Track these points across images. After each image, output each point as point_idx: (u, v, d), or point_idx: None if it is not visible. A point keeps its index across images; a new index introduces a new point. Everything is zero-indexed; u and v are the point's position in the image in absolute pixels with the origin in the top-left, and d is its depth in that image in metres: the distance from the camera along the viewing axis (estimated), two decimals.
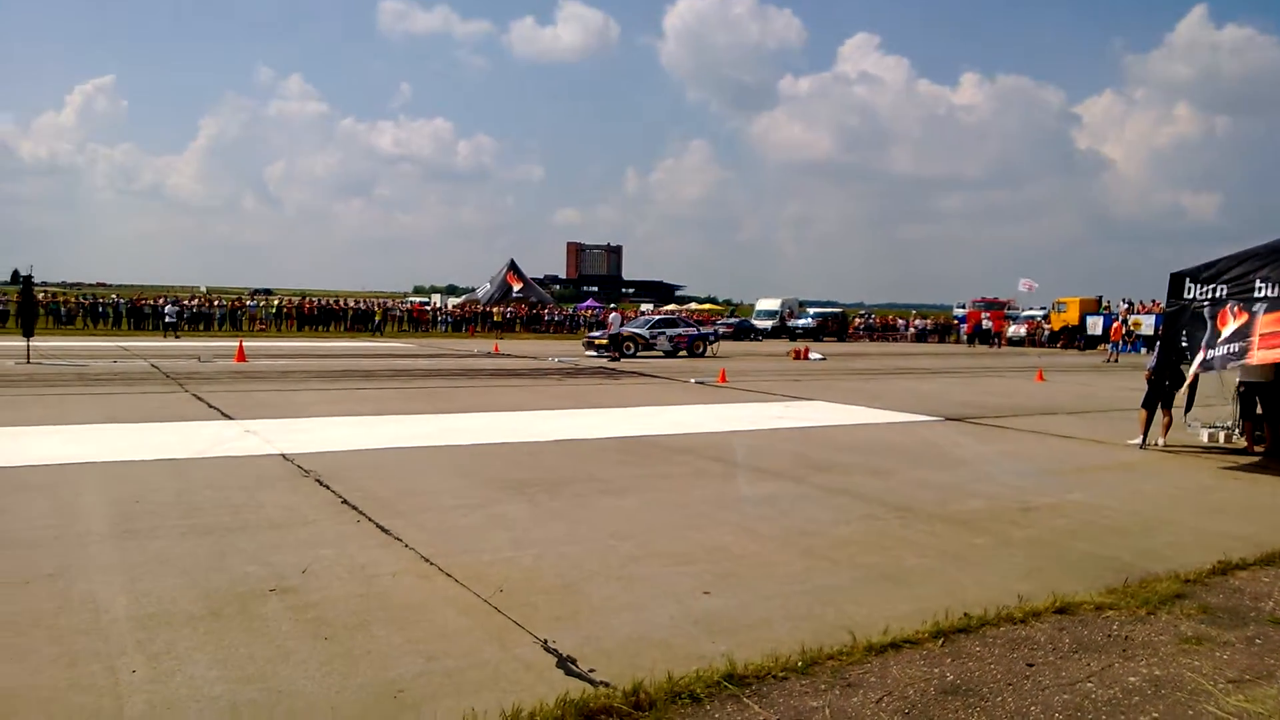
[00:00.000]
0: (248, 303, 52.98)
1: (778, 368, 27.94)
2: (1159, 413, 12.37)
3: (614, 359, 28.49)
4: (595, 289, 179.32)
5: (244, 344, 27.42)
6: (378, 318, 48.84)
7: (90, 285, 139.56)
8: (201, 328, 43.40)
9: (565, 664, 4.46)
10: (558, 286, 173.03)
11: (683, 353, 31.70)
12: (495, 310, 55.30)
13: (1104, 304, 52.36)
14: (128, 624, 4.80)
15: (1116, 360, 37.05)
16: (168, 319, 39.11)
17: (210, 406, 13.98)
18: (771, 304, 59.02)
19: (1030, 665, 4.60)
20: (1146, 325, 44.45)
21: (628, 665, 4.42)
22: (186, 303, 46.71)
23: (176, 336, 37.37)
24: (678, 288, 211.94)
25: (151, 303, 45.81)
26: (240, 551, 6.19)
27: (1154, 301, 46.44)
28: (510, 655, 4.56)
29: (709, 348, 32.97)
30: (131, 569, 5.74)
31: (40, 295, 38.82)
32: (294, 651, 4.50)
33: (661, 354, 31.18)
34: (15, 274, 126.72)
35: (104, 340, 33.35)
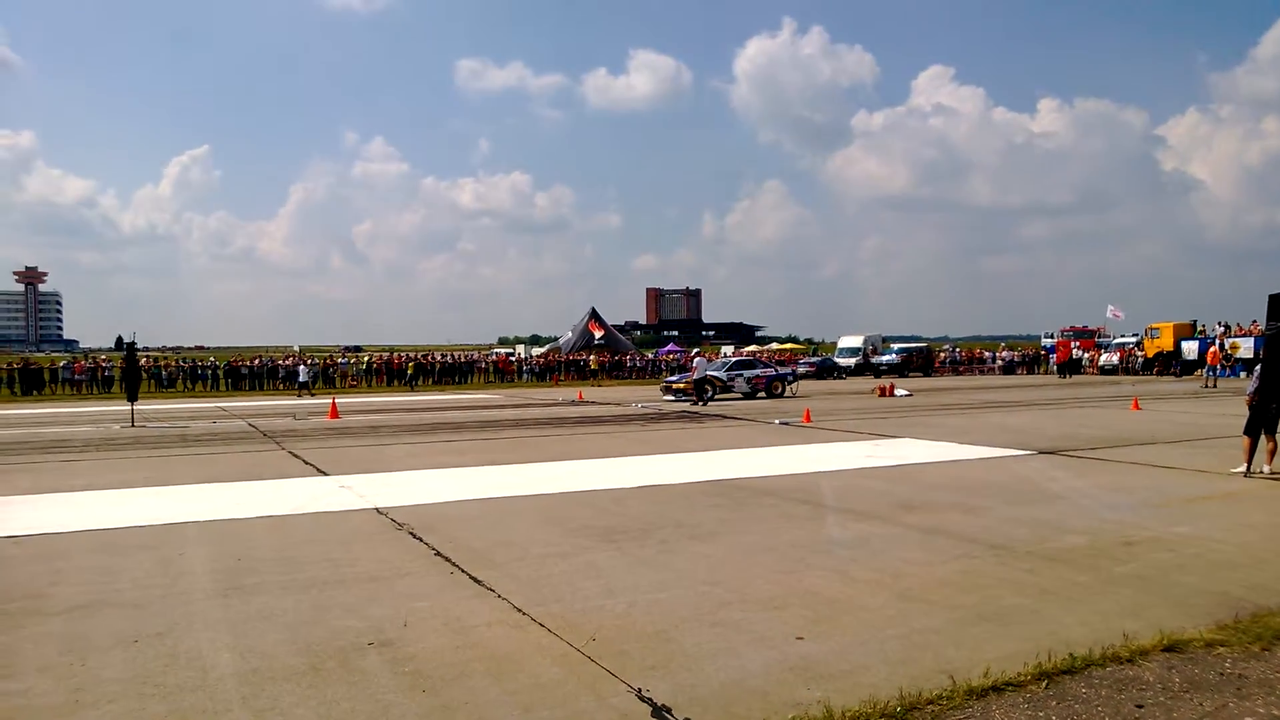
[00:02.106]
0: (339, 360, 54.35)
1: (863, 406, 27.61)
2: (1263, 439, 11.89)
3: (696, 403, 28.29)
4: (675, 333, 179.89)
5: (336, 400, 28.11)
6: (409, 370, 46.88)
7: (189, 349, 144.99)
8: (295, 386, 44.63)
9: (660, 713, 4.45)
10: (638, 332, 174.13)
11: (761, 394, 31.48)
12: (592, 359, 55.56)
13: (1199, 328, 50.69)
14: (233, 680, 4.94)
15: (1215, 385, 35.85)
16: (301, 378, 40.81)
17: (306, 463, 14.35)
18: (854, 341, 58.43)
19: (1140, 707, 4.45)
20: (1245, 348, 42.91)
21: (723, 714, 4.40)
22: (282, 362, 48.23)
23: (312, 395, 38.64)
24: (758, 328, 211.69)
25: (249, 364, 47.35)
26: (339, 605, 6.33)
27: (1253, 323, 44.80)
28: (605, 705, 4.57)
29: (787, 388, 32.70)
30: (235, 625, 5.92)
31: (142, 360, 40.36)
32: (394, 705, 4.57)
33: (740, 396, 31.04)
34: (120, 340, 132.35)
35: (203, 402, 34.52)
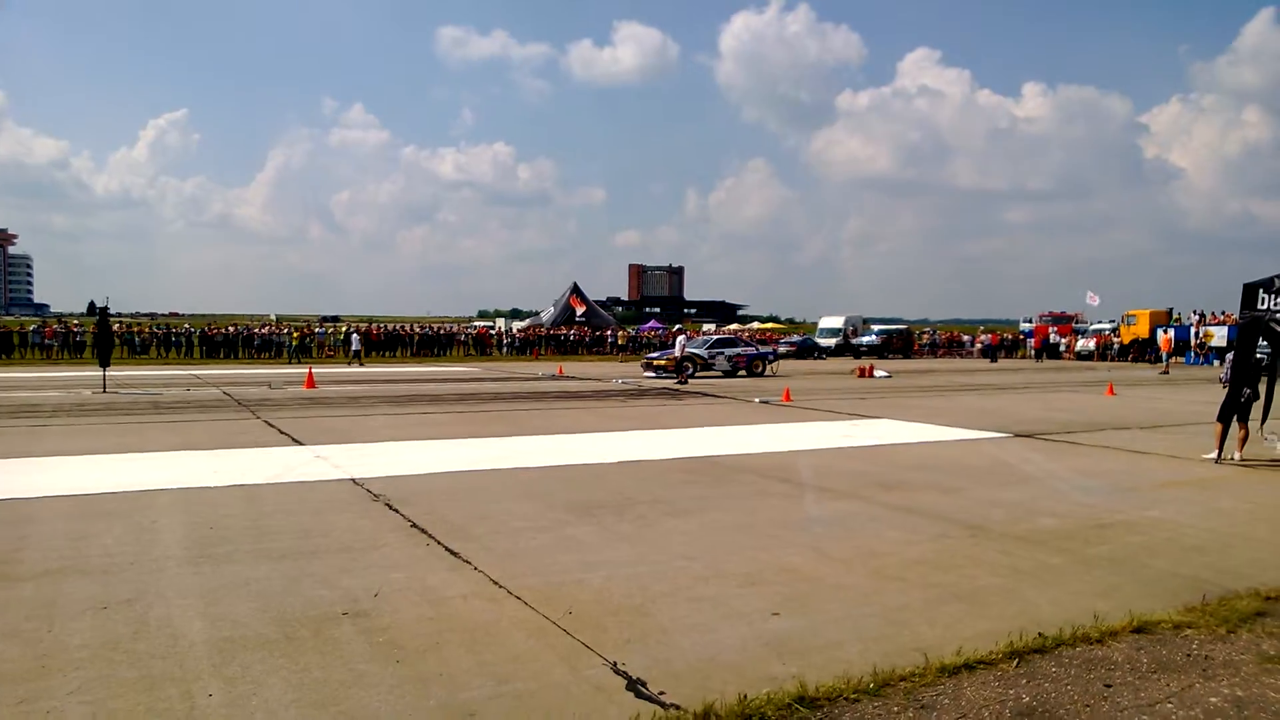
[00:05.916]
0: (316, 330, 53.96)
1: (843, 386, 27.70)
2: (1234, 426, 12.02)
3: (680, 382, 27.89)
4: (657, 310, 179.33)
5: (313, 370, 27.94)
6: (292, 341, 43.96)
7: (164, 315, 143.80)
8: (271, 355, 44.31)
9: (635, 686, 4.46)
10: (620, 308, 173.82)
11: (742, 372, 31.53)
12: (610, 334, 55.52)
13: (1175, 316, 51.14)
14: (204, 648, 4.90)
15: (1168, 372, 36.55)
16: (354, 347, 40.77)
17: (281, 433, 14.25)
18: (834, 322, 58.48)
19: (1108, 686, 4.49)
20: (1219, 336, 43.45)
21: (698, 687, 4.40)
22: (258, 330, 47.89)
23: (360, 364, 38.72)
24: (740, 307, 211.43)
25: (224, 331, 46.96)
26: (312, 575, 6.29)
27: (1225, 313, 45.37)
28: (580, 678, 4.57)
29: (768, 367, 32.81)
30: (207, 593, 5.87)
31: (115, 325, 39.90)
32: (366, 674, 4.56)
33: (720, 374, 31.08)
34: (92, 305, 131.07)
35: (177, 369, 34.22)
